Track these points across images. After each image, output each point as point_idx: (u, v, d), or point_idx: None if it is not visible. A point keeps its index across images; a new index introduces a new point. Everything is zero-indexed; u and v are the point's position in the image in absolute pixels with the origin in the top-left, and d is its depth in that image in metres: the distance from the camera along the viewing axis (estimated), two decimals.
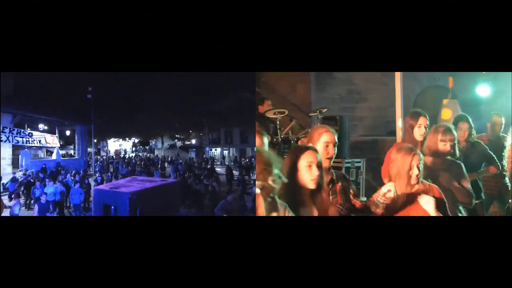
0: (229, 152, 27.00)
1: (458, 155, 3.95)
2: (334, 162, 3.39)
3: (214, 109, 24.07)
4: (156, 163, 21.14)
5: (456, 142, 3.89)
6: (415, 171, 3.15)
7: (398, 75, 6.77)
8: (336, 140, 3.25)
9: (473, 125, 5.01)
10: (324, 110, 7.02)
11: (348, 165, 6.95)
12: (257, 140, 3.13)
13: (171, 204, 9.11)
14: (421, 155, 3.24)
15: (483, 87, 7.47)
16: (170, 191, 9.38)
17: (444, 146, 3.82)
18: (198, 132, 27.88)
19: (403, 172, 3.16)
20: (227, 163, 24.73)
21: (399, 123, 6.34)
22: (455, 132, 3.89)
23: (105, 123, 20.64)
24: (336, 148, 3.25)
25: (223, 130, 27.26)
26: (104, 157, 24.06)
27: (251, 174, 18.25)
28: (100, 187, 9.10)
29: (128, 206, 7.69)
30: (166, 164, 21.26)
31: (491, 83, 7.35)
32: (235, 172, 18.10)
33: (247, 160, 22.82)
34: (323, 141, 3.18)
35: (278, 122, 6.49)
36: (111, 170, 17.67)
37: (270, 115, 6.49)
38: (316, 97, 9.31)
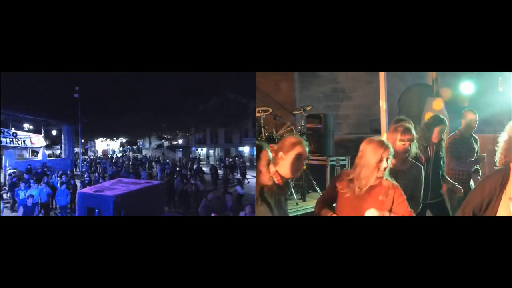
0: (214, 152, 26.61)
1: (414, 154, 3.87)
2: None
3: (200, 109, 23.71)
4: (144, 163, 20.54)
5: (414, 141, 3.79)
6: (383, 164, 3.03)
7: (382, 73, 6.40)
8: (308, 155, 3.11)
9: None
10: (308, 108, 6.82)
11: (333, 163, 6.72)
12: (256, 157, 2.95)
13: (156, 206, 8.75)
14: (391, 150, 3.09)
15: (467, 84, 7.23)
16: (155, 193, 9.01)
17: (403, 145, 3.68)
18: (185, 132, 27.46)
19: (372, 162, 3.03)
20: (211, 162, 24.33)
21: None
22: (414, 132, 3.78)
23: (93, 123, 19.84)
24: (305, 162, 3.15)
25: (209, 131, 26.88)
26: (92, 157, 23.16)
27: (235, 173, 17.94)
28: (84, 190, 8.69)
29: (112, 209, 7.34)
30: (153, 164, 20.66)
31: (475, 80, 7.10)
32: (220, 172, 17.77)
33: (230, 159, 22.48)
34: (296, 152, 3.00)
35: (262, 120, 6.27)
36: (99, 170, 17.02)
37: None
38: (300, 95, 9.01)
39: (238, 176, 17.26)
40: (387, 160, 3.02)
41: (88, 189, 8.64)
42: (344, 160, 6.87)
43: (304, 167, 3.12)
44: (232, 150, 27.05)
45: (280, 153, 3.03)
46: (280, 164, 3.02)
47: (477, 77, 7.01)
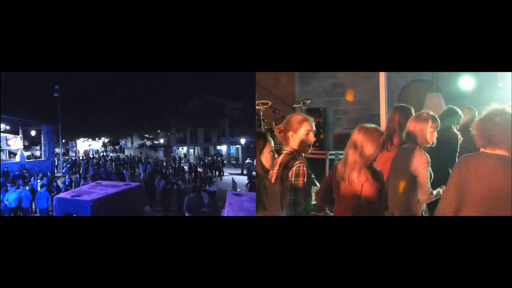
0: (194, 151, 25.48)
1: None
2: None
3: (181, 110, 22.62)
4: (127, 162, 19.01)
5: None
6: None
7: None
8: (315, 128, 3.11)
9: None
10: (308, 102, 6.57)
11: (332, 157, 6.24)
12: (259, 144, 2.66)
13: (134, 208, 7.93)
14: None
15: (466, 79, 6.58)
16: (133, 195, 8.09)
17: (432, 134, 3.42)
18: (166, 132, 26.15)
19: (376, 149, 2.92)
20: (191, 160, 23.23)
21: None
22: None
23: (74, 123, 17.81)
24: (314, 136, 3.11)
25: (189, 130, 25.71)
26: (73, 158, 21.03)
27: (213, 171, 17.48)
28: (61, 195, 7.69)
29: (90, 214, 6.56)
30: (136, 163, 19.15)
31: (475, 75, 6.47)
32: (200, 170, 17.25)
33: (209, 158, 21.85)
34: (305, 129, 3.00)
35: (261, 113, 6.02)
36: (80, 171, 15.43)
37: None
38: (300, 90, 8.27)
39: (216, 174, 16.99)
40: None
41: (65, 194, 7.70)
42: (343, 153, 6.22)
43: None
44: (210, 149, 26.19)
45: (290, 133, 3.01)
46: (291, 142, 3.02)
47: (477, 72, 6.32)
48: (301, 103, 6.46)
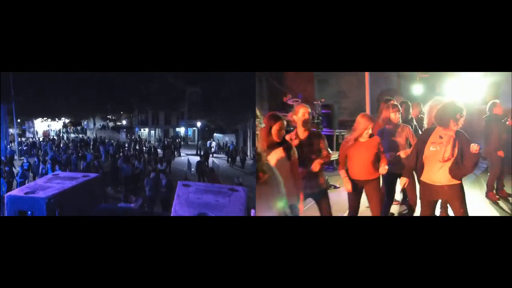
0: (155, 132, 23.93)
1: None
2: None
3: (143, 92, 20.83)
4: (89, 144, 17.07)
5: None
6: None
7: (366, 75, 7.49)
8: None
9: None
10: (322, 100, 9.31)
11: (337, 133, 8.95)
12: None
13: (93, 201, 6.77)
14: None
15: (417, 86, 8.51)
16: (91, 187, 6.87)
17: (395, 115, 4.23)
18: (129, 113, 24.11)
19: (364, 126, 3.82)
20: (153, 142, 21.79)
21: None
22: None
23: (30, 101, 14.94)
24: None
25: (151, 112, 24.00)
26: (31, 140, 17.93)
27: (173, 152, 16.68)
28: (14, 192, 6.16)
29: (45, 211, 5.34)
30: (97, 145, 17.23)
31: (425, 82, 8.42)
32: (159, 151, 16.33)
33: (170, 139, 20.87)
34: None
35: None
36: (40, 154, 13.43)
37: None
38: (318, 94, 11.52)
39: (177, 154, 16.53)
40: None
41: (18, 191, 6.19)
42: (344, 131, 8.37)
43: None
44: (170, 131, 24.84)
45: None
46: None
47: (427, 80, 8.42)
48: (318, 101, 9.30)
